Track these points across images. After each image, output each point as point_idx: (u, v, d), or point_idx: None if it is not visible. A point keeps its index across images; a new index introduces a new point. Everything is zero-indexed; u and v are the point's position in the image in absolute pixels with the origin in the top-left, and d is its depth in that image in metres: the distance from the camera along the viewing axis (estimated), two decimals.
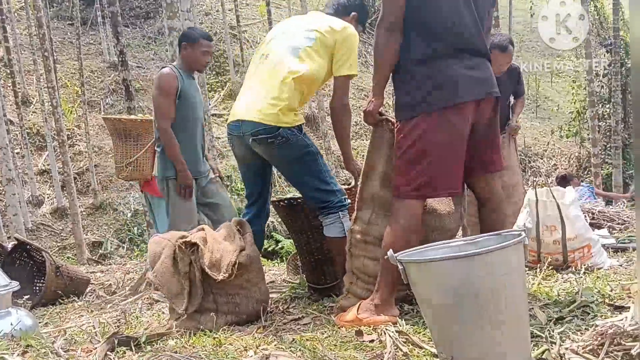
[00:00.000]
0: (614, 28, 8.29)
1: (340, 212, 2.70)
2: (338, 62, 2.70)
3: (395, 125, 2.33)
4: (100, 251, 8.17)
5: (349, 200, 2.73)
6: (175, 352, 2.00)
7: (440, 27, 2.20)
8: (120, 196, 9.19)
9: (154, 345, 2.21)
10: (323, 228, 2.76)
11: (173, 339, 2.28)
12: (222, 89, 11.77)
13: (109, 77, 11.40)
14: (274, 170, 3.09)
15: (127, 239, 8.50)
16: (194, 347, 2.15)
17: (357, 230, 2.50)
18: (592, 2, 9.66)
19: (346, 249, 2.53)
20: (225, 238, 2.59)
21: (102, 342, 2.12)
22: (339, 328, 2.26)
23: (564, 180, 6.90)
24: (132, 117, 4.20)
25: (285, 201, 3.05)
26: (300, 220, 3.01)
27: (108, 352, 2.07)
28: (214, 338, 2.23)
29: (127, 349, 2.12)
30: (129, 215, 8.85)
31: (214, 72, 12.06)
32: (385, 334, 2.04)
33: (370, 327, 2.17)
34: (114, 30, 5.01)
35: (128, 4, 13.68)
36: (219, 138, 9.95)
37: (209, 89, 10.97)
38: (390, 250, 1.75)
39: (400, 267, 1.70)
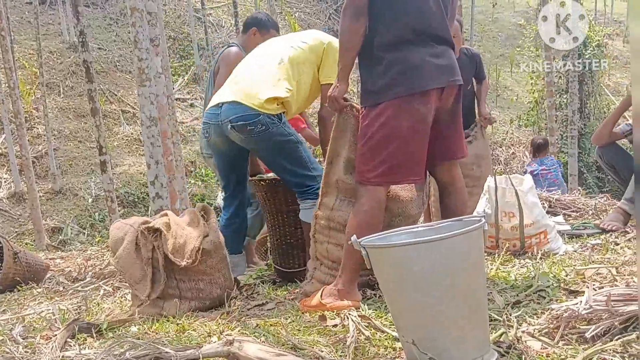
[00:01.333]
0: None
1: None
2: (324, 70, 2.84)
3: (360, 112, 2.35)
4: (60, 237, 7.97)
5: None
6: (138, 339, 1.99)
7: (404, 14, 2.21)
8: (81, 181, 8.97)
9: (115, 331, 2.19)
10: (300, 212, 2.78)
11: (135, 326, 2.27)
12: (186, 73, 11.57)
13: (69, 58, 11.05)
14: None
15: (88, 225, 8.32)
16: (156, 333, 2.14)
17: (321, 216, 2.51)
18: None
19: (310, 235, 2.55)
20: (189, 224, 2.58)
21: (62, 329, 2.08)
22: (302, 313, 2.27)
23: (541, 147, 6.89)
24: None
25: (267, 181, 3.04)
26: (277, 202, 3.00)
27: (68, 339, 2.04)
28: (177, 324, 2.23)
29: (87, 336, 2.10)
30: (90, 200, 8.65)
31: (177, 56, 11.83)
32: (348, 318, 2.06)
33: (333, 311, 2.20)
34: (74, 10, 4.86)
35: None
36: (183, 123, 9.81)
37: (173, 73, 10.76)
38: (354, 235, 1.77)
39: (363, 252, 1.73)
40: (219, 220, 2.97)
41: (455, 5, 2.50)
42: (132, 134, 9.71)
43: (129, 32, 3.64)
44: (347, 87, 2.40)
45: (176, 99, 9.57)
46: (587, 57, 9.86)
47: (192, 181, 8.86)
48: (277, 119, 2.72)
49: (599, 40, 10.40)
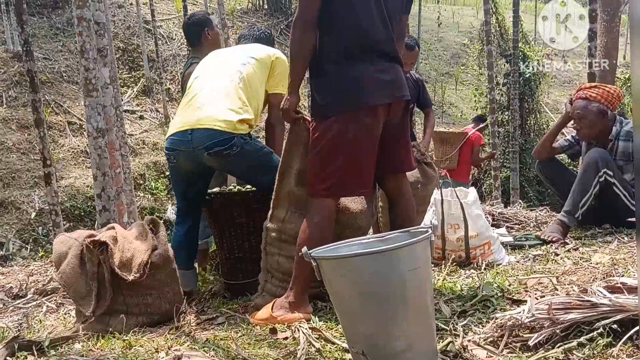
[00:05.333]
0: (513, 40, 8.80)
1: None
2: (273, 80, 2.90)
3: (311, 124, 2.38)
4: (1, 252, 7.62)
5: None
6: (82, 356, 1.94)
7: (353, 30, 2.26)
8: (24, 194, 8.62)
9: (58, 349, 2.12)
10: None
11: (79, 343, 2.19)
12: (136, 85, 11.34)
13: (13, 67, 10.66)
14: None
15: (31, 240, 7.97)
16: (101, 350, 2.08)
17: (272, 228, 2.52)
18: (494, 15, 10.22)
19: (262, 248, 2.55)
20: (137, 237, 2.53)
21: (1, 347, 2.00)
22: (253, 326, 2.26)
23: (479, 120, 7.70)
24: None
25: (212, 195, 3.04)
26: (226, 216, 2.99)
27: (7, 358, 1.96)
28: (124, 340, 2.17)
29: (28, 354, 2.02)
30: (34, 214, 8.31)
31: (127, 67, 11.59)
32: (298, 330, 2.07)
33: (284, 324, 2.20)
34: (18, 19, 4.71)
35: None
36: (132, 135, 9.60)
37: (122, 84, 10.54)
38: (305, 247, 1.79)
39: (314, 263, 1.74)
40: (168, 234, 2.93)
41: (404, 24, 2.56)
42: (78, 146, 9.43)
43: (76, 42, 3.56)
44: (299, 100, 2.42)
45: (125, 111, 9.37)
46: (527, 75, 10.28)
47: (142, 194, 8.66)
48: (248, 137, 2.77)
49: (538, 60, 10.85)
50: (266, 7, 15.28)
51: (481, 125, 7.45)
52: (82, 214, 8.30)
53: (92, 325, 2.36)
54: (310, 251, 1.76)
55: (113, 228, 2.57)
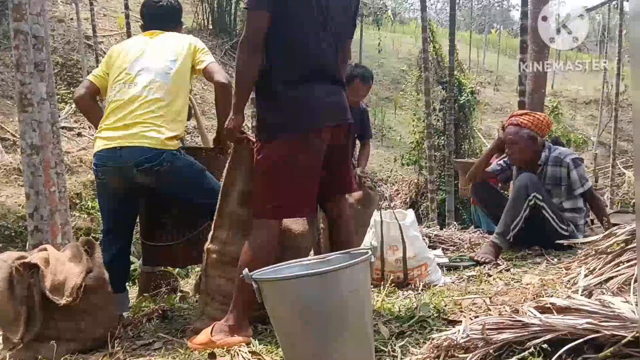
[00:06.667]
0: (449, 67, 9.13)
1: None
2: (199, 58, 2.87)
3: (255, 145, 2.39)
4: None
5: None
6: None
7: (302, 52, 2.30)
8: None
9: None
10: None
11: None
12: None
13: None
14: None
15: None
16: None
17: (213, 249, 2.49)
18: (431, 43, 10.59)
19: (202, 270, 2.51)
20: (71, 259, 2.44)
21: None
22: (191, 351, 2.22)
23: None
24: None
25: None
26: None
27: None
28: None
29: None
30: None
31: (65, 83, 11.21)
32: (238, 355, 2.05)
33: (223, 348, 2.17)
34: None
35: None
36: (69, 152, 9.26)
37: (60, 100, 10.17)
38: (246, 269, 1.78)
39: (254, 285, 1.74)
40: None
41: (348, 48, 2.63)
42: (11, 163, 8.99)
43: (12, 55, 3.43)
44: (243, 120, 2.43)
45: (62, 128, 9.03)
46: (462, 102, 10.67)
47: (77, 214, 8.34)
48: (178, 152, 2.76)
49: (472, 87, 11.31)
50: (211, 27, 15.24)
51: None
52: (13, 234, 7.89)
53: (20, 353, 2.25)
54: (252, 273, 1.76)
55: (45, 249, 2.47)
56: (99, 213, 8.50)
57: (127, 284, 3.09)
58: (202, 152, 3.12)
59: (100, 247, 2.65)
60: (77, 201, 8.53)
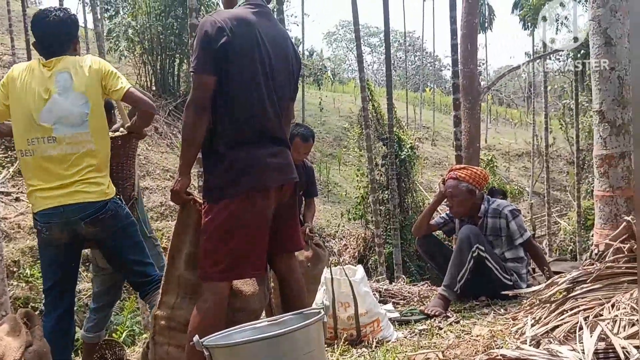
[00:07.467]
0: (388, 125, 9.44)
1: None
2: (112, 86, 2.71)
3: (203, 207, 2.36)
4: None
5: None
6: None
7: (247, 114, 2.32)
8: None
9: None
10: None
11: None
12: (12, 165, 10.55)
13: None
14: None
15: None
16: None
17: (161, 315, 2.40)
18: (370, 102, 10.95)
19: (149, 338, 2.41)
20: (9, 333, 2.28)
21: None
22: None
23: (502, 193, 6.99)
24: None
25: None
26: None
27: None
28: None
29: None
30: None
31: (2, 147, 10.82)
32: None
33: None
34: None
35: None
36: (6, 218, 8.85)
37: None
38: (196, 335, 1.73)
39: (206, 353, 1.69)
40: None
41: (291, 109, 2.68)
42: None
43: None
44: (189, 181, 2.41)
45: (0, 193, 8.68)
46: (402, 157, 10.99)
47: (15, 283, 7.89)
48: (119, 200, 2.80)
49: (411, 143, 11.70)
50: (154, 88, 15.23)
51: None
52: None
53: None
54: (202, 339, 1.71)
55: None
56: (39, 281, 8.11)
57: (71, 355, 2.91)
58: (116, 140, 3.04)
59: (41, 317, 2.51)
60: (15, 269, 8.10)
